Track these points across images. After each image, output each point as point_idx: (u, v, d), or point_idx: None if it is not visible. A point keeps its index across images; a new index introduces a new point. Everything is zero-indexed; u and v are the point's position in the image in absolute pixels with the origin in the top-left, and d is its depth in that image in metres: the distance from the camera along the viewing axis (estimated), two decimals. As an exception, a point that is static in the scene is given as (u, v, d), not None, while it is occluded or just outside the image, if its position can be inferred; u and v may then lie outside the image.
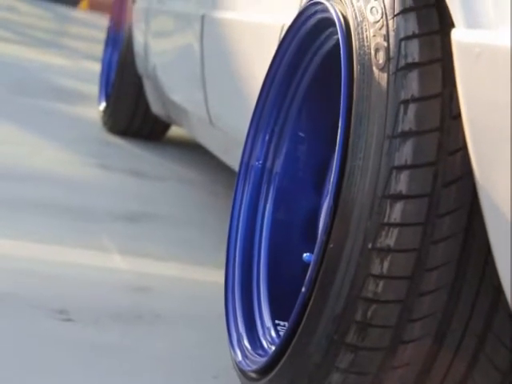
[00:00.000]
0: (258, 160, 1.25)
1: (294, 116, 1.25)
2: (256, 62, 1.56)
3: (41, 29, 6.75)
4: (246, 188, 1.25)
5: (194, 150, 2.97)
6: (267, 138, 1.25)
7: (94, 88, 3.68)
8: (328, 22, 1.13)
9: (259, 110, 1.26)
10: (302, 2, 1.36)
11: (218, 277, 1.64)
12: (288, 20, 1.37)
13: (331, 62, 1.19)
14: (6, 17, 7.14)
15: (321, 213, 1.23)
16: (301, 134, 1.25)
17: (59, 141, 2.79)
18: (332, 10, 1.06)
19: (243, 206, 1.24)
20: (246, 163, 1.25)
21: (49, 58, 4.96)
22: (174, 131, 3.20)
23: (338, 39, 1.14)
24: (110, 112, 3.08)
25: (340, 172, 0.95)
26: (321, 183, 1.25)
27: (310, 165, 1.25)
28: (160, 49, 2.54)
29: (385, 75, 0.94)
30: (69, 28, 7.50)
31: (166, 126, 3.08)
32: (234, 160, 1.98)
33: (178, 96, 2.37)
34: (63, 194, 2.15)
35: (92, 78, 4.15)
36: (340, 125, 0.97)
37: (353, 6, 1.02)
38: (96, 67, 4.75)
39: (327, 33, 1.16)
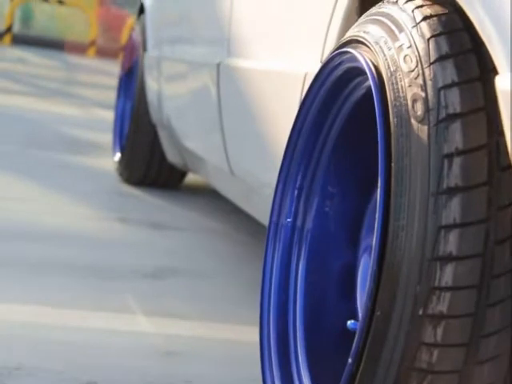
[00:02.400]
0: (287, 218, 1.19)
1: (323, 169, 1.19)
2: (277, 110, 1.51)
3: (50, 78, 6.76)
4: (277, 248, 1.19)
5: (211, 197, 2.91)
6: (296, 193, 1.19)
7: (107, 137, 3.65)
8: (356, 72, 1.08)
9: (286, 164, 1.21)
10: (323, 49, 1.30)
11: (250, 335, 1.57)
12: (310, 68, 1.32)
13: (360, 112, 1.13)
14: (16, 68, 7.16)
15: (358, 270, 1.16)
16: (331, 188, 1.19)
17: (76, 195, 2.74)
18: (361, 60, 1.01)
19: (275, 267, 1.18)
20: (275, 222, 1.19)
21: (60, 109, 4.94)
22: (191, 178, 3.15)
23: (367, 89, 1.09)
24: (126, 162, 3.04)
25: (382, 233, 0.89)
26: (355, 237, 1.19)
27: (342, 220, 1.19)
28: (174, 98, 2.50)
29: (425, 128, 0.88)
30: (78, 76, 7.51)
31: (183, 173, 3.03)
32: (254, 208, 1.92)
33: (194, 145, 2.32)
34: (83, 252, 2.10)
35: (104, 127, 4.13)
36: (379, 182, 0.91)
37: (384, 55, 0.97)
38: (107, 115, 4.73)
39: (355, 82, 1.11)
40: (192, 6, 2.31)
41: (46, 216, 2.41)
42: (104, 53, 9.71)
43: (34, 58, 8.24)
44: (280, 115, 1.50)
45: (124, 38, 9.66)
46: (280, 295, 1.17)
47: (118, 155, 3.14)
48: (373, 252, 0.90)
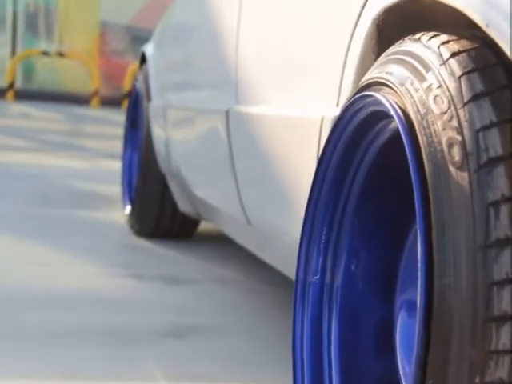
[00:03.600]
0: (315, 275, 1.11)
1: (349, 221, 1.11)
2: (293, 156, 1.44)
3: (55, 132, 6.72)
4: (306, 308, 1.10)
5: (224, 245, 2.83)
6: (322, 248, 1.11)
7: (115, 188, 3.59)
8: (380, 115, 1.00)
9: (310, 217, 1.13)
10: (339, 91, 1.23)
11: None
12: (327, 112, 1.25)
13: (386, 157, 1.05)
14: (19, 124, 7.14)
15: (395, 327, 1.08)
16: (360, 240, 1.11)
17: (87, 252, 2.67)
18: (386, 103, 0.93)
19: (305, 329, 1.10)
20: (302, 280, 1.11)
21: (66, 162, 4.89)
22: (204, 226, 3.07)
23: (392, 133, 1.01)
24: (136, 215, 2.96)
25: (427, 293, 0.81)
26: (389, 292, 1.11)
27: (374, 274, 1.11)
28: (182, 147, 2.43)
29: (465, 174, 0.80)
30: (82, 127, 7.48)
31: (196, 222, 2.95)
32: (271, 256, 1.85)
33: (207, 194, 2.25)
34: (96, 315, 2.01)
35: (112, 178, 4.07)
36: (419, 236, 0.83)
37: (412, 97, 0.89)
38: (115, 165, 4.68)
39: (379, 126, 1.03)
40: (195, 52, 2.25)
41: (56, 279, 2.33)
42: (107, 102, 9.70)
43: (37, 113, 8.22)
44: (296, 161, 1.43)
45: (126, 87, 9.66)
46: (313, 360, 1.09)
47: (128, 208, 3.06)
48: (418, 314, 0.82)
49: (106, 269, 2.48)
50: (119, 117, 8.57)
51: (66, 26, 10.64)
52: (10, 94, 9.30)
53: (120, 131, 6.88)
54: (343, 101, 1.21)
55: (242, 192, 1.79)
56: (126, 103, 9.52)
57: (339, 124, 1.07)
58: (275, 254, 1.82)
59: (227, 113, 1.82)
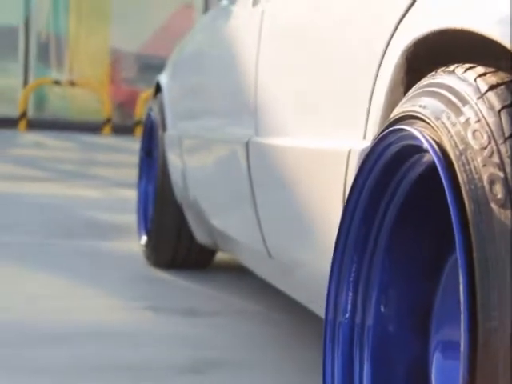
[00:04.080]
0: (344, 314, 1.07)
1: (380, 258, 1.07)
2: (318, 189, 1.40)
3: (68, 161, 6.72)
4: (337, 349, 1.07)
5: (242, 275, 2.80)
6: (352, 287, 1.08)
7: (130, 218, 3.56)
8: (413, 150, 0.97)
9: (339, 254, 1.10)
10: (366, 124, 1.20)
11: None
12: (354, 145, 1.22)
13: (418, 192, 1.02)
14: (32, 154, 7.14)
15: (431, 368, 1.04)
16: (391, 277, 1.07)
17: (103, 285, 2.64)
18: (421, 137, 0.90)
19: (336, 372, 1.06)
20: (331, 320, 1.08)
21: (80, 192, 4.87)
22: (221, 255, 3.04)
23: (425, 168, 0.98)
24: (153, 246, 2.93)
25: (471, 338, 0.77)
26: (423, 329, 1.07)
27: (407, 312, 1.07)
28: (199, 177, 2.40)
29: (508, 212, 0.77)
30: (95, 156, 7.47)
31: (212, 251, 2.92)
32: (292, 288, 1.81)
33: (225, 225, 2.21)
34: (114, 350, 1.98)
35: (127, 207, 4.04)
36: (461, 277, 0.80)
37: (449, 132, 0.86)
38: (129, 194, 4.65)
39: (412, 161, 1.00)
40: (212, 82, 2.23)
41: (72, 313, 2.30)
42: (119, 130, 9.71)
43: (50, 142, 8.23)
44: (320, 193, 1.40)
45: (138, 114, 9.67)
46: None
47: (143, 238, 3.03)
48: (462, 360, 0.78)
49: (123, 301, 2.45)
50: (131, 144, 8.57)
51: (77, 55, 10.69)
52: (22, 124, 9.32)
53: (133, 159, 6.85)
54: (371, 134, 1.18)
55: (263, 224, 1.76)
56: (137, 131, 9.52)
57: (369, 158, 1.04)
58: (296, 285, 1.78)
59: (247, 144, 1.79)
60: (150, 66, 11.16)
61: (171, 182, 2.79)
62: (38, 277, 2.71)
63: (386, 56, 1.13)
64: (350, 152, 1.22)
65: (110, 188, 5.20)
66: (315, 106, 1.43)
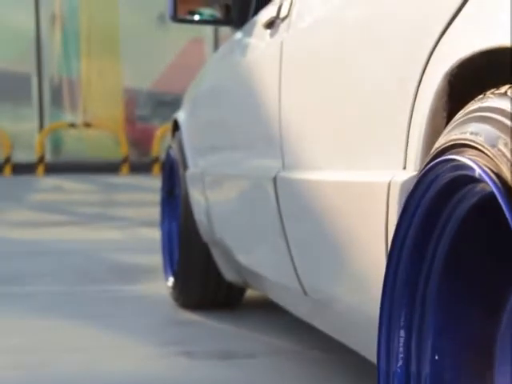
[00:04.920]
0: (398, 363, 0.99)
1: (434, 296, 0.99)
2: (357, 223, 1.33)
3: (88, 203, 6.68)
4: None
5: (274, 313, 2.71)
6: (404, 333, 0.99)
7: (155, 258, 3.49)
8: (465, 180, 0.90)
9: (388, 297, 1.02)
10: (405, 153, 1.13)
11: None
12: (394, 176, 1.14)
13: (472, 224, 0.94)
14: (53, 198, 7.11)
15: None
16: (447, 320, 0.99)
17: (132, 332, 2.56)
18: (476, 167, 0.82)
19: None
20: (384, 370, 0.99)
21: (103, 234, 4.81)
22: (250, 292, 2.96)
23: (479, 198, 0.90)
24: (180, 287, 2.86)
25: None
26: (485, 374, 0.98)
27: (466, 355, 0.99)
28: (225, 215, 2.33)
29: None
30: (115, 196, 7.43)
31: (242, 289, 2.84)
32: (331, 327, 1.73)
33: (256, 264, 2.14)
34: (152, 401, 1.90)
35: (150, 247, 3.98)
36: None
37: (508, 160, 0.78)
38: (151, 234, 4.59)
39: (464, 191, 0.92)
40: (232, 117, 2.17)
41: (101, 364, 2.22)
42: (136, 168, 9.69)
43: (69, 185, 8.20)
44: (359, 228, 1.32)
45: (154, 151, 9.64)
46: None
47: (170, 280, 2.96)
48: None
49: (154, 348, 2.37)
50: (150, 182, 8.53)
51: (90, 96, 10.71)
52: (40, 168, 9.31)
53: (152, 197, 6.79)
54: (411, 164, 1.11)
55: (297, 261, 1.68)
56: (155, 168, 9.48)
57: (416, 190, 0.96)
58: (336, 324, 1.70)
59: (274, 179, 1.72)
60: (164, 103, 11.16)
61: (195, 221, 2.72)
62: (64, 328, 2.64)
63: (424, 80, 1.06)
64: (390, 184, 1.14)
65: (132, 228, 5.14)
66: (347, 137, 1.35)
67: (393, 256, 1.01)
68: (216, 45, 10.44)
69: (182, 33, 10.42)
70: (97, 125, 10.08)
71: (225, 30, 10.04)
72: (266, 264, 2.03)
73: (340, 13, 1.42)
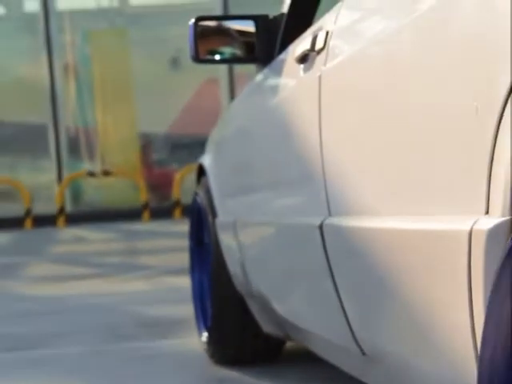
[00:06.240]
0: None
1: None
2: (428, 278, 1.16)
3: (111, 253, 6.53)
4: None
5: (316, 365, 2.53)
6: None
7: (185, 309, 3.33)
8: None
9: (486, 371, 0.84)
10: (487, 195, 0.96)
11: None
12: (476, 224, 0.97)
13: None
14: (75, 249, 6.97)
15: None
16: None
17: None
18: None
19: None
20: None
21: (128, 286, 4.65)
22: (289, 344, 2.78)
23: None
24: (215, 342, 2.69)
25: None
26: None
27: None
28: (262, 265, 2.16)
29: None
30: (138, 244, 7.28)
31: (281, 341, 2.67)
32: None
33: (300, 319, 1.96)
34: None
35: (179, 297, 3.82)
36: None
37: None
38: (178, 282, 4.43)
39: None
40: (266, 159, 2.01)
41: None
42: (156, 213, 9.56)
43: (90, 234, 8.07)
44: (431, 284, 1.15)
45: (175, 195, 9.51)
46: None
47: (204, 334, 2.79)
48: None
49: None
50: (172, 227, 8.39)
51: (107, 143, 10.63)
52: (61, 220, 9.19)
53: (175, 243, 6.63)
54: (497, 208, 0.94)
55: (351, 317, 1.51)
56: (176, 212, 9.34)
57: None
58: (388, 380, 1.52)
59: (321, 227, 1.55)
60: (181, 145, 11.07)
61: (228, 272, 2.56)
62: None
63: (507, 107, 0.90)
64: (471, 233, 0.98)
65: (158, 277, 4.97)
66: (406, 178, 1.19)
67: (489, 325, 0.84)
68: (231, 84, 10.36)
69: (196, 74, 10.35)
70: (115, 172, 9.98)
71: (239, 69, 9.95)
72: (314, 318, 1.86)
73: (389, 39, 1.26)
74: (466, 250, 0.99)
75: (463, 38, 1.03)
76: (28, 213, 9.24)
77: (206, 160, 2.75)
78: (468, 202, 1.01)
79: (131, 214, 9.38)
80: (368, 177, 1.35)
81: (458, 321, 1.05)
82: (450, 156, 1.06)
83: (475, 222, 0.97)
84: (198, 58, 2.17)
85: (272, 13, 2.21)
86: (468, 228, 0.98)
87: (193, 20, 2.17)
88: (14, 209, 9.47)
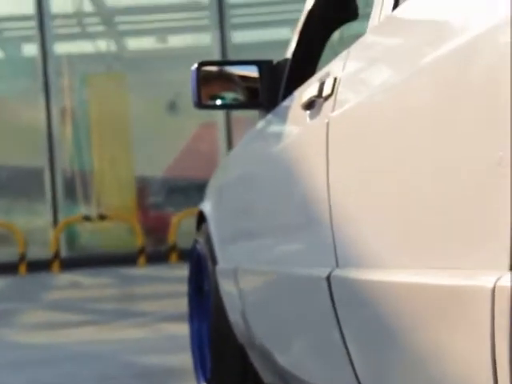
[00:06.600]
0: None
1: None
2: (448, 335, 1.10)
3: (107, 299, 6.44)
4: None
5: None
6: None
7: (183, 357, 3.26)
8: None
9: None
10: (511, 248, 0.91)
11: None
12: (500, 281, 0.92)
13: None
14: (70, 295, 6.88)
15: None
16: None
17: None
18: None
19: None
20: None
21: (124, 333, 4.57)
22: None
23: None
24: (215, 394, 2.61)
25: None
26: None
27: None
28: (265, 316, 2.10)
29: None
30: (134, 289, 7.20)
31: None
32: None
33: (306, 373, 1.90)
34: None
35: (177, 345, 3.74)
36: None
37: None
38: (175, 329, 4.35)
39: None
40: (271, 206, 1.96)
41: None
42: (153, 258, 9.48)
43: (85, 280, 7.98)
44: (449, 341, 1.09)
45: (171, 239, 9.44)
46: None
47: (204, 386, 2.72)
48: None
49: None
50: (169, 272, 8.31)
51: (103, 187, 10.59)
52: (55, 265, 9.11)
53: (172, 288, 6.54)
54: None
55: (361, 375, 1.45)
56: (173, 257, 9.26)
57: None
58: None
59: (328, 279, 1.50)
60: (177, 189, 11.04)
61: (229, 321, 2.49)
62: None
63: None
64: (494, 290, 0.93)
65: (155, 324, 4.89)
66: (420, 229, 1.14)
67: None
68: (228, 128, 10.36)
69: (193, 118, 10.36)
70: (111, 216, 9.92)
71: (237, 114, 9.95)
72: (319, 370, 1.79)
73: (398, 87, 1.22)
74: (488, 308, 0.94)
75: (478, 86, 0.99)
76: (22, 258, 9.15)
77: (207, 206, 2.71)
78: (489, 256, 0.96)
79: (127, 259, 9.31)
80: (379, 227, 1.30)
81: (480, 379, 0.99)
82: (469, 207, 1.01)
83: (498, 279, 0.92)
84: (200, 104, 2.13)
85: (266, 58, 2.18)
86: (489, 285, 0.93)
87: (195, 65, 2.13)
88: (8, 253, 9.40)
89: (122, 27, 11.92)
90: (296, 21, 2.19)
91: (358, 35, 1.53)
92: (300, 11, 2.17)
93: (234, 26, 11.12)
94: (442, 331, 1.10)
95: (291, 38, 2.20)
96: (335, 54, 1.66)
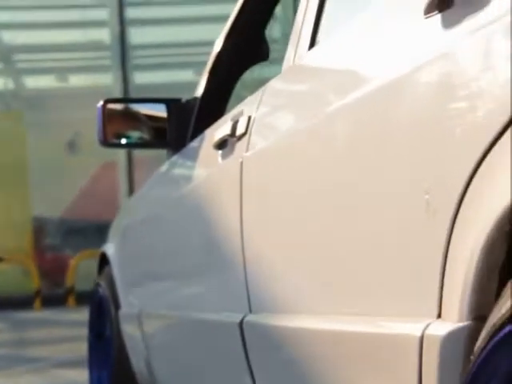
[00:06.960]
0: None
1: None
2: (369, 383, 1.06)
3: (1, 344, 6.18)
4: None
5: None
6: None
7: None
8: None
9: None
10: (440, 298, 0.88)
11: None
12: (429, 329, 0.88)
13: None
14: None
15: None
16: None
17: None
18: None
19: None
20: None
21: (19, 380, 4.37)
22: None
23: None
24: None
25: None
26: None
27: None
28: (172, 365, 2.02)
29: None
30: (28, 334, 6.94)
31: None
32: None
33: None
34: None
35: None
36: None
37: None
38: (72, 375, 4.18)
39: None
40: (179, 249, 1.89)
41: None
42: (49, 301, 9.21)
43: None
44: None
45: (69, 281, 9.20)
46: None
47: None
48: None
49: None
50: (65, 315, 8.06)
51: (-2, 228, 10.27)
52: None
53: (69, 332, 6.33)
54: (451, 311, 0.85)
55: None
56: (70, 300, 9.01)
57: (484, 357, 0.71)
58: None
59: (240, 324, 1.44)
60: (75, 230, 10.78)
61: (132, 369, 2.39)
62: None
63: (467, 197, 0.82)
64: (422, 339, 0.88)
65: (51, 370, 4.70)
66: (346, 276, 1.10)
67: None
68: (129, 169, 10.22)
69: (93, 158, 10.18)
70: (6, 259, 9.61)
71: (138, 153, 9.83)
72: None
73: (314, 127, 1.19)
74: (414, 357, 0.90)
75: (397, 126, 0.96)
76: None
77: (110, 249, 2.61)
78: (417, 304, 0.92)
79: (23, 302, 9.00)
80: (294, 271, 1.25)
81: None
82: (398, 253, 0.97)
83: (426, 327, 0.88)
84: (105, 142, 2.06)
85: (167, 97, 2.14)
86: (417, 334, 0.89)
87: (101, 102, 2.06)
88: None
89: (20, 65, 11.69)
90: (199, 64, 2.15)
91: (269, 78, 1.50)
92: (203, 54, 2.13)
93: (136, 66, 11.05)
94: (365, 379, 1.05)
95: (196, 80, 2.16)
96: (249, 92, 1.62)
